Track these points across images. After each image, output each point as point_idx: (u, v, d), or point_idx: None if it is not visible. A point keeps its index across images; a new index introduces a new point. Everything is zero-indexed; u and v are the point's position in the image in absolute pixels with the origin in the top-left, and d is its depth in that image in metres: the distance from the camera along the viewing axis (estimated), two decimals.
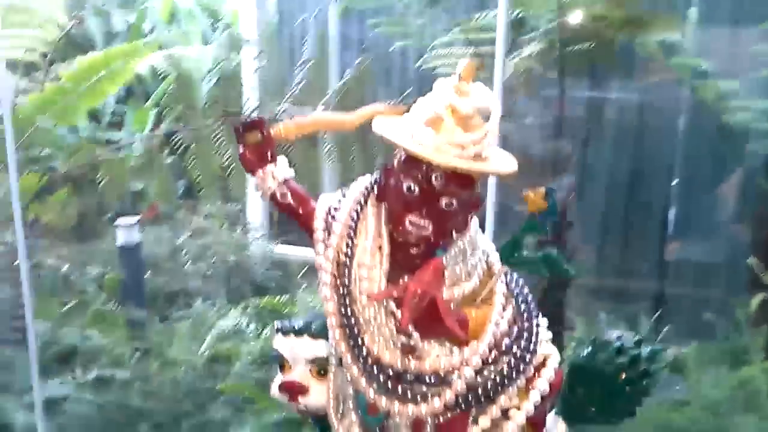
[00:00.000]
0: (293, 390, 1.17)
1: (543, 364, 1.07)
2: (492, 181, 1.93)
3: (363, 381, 1.02)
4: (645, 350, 1.17)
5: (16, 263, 2.14)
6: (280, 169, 1.14)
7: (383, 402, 1.01)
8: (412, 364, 1.01)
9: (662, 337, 2.42)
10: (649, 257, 3.19)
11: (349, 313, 1.03)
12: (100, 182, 2.53)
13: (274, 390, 1.21)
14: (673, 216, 3.16)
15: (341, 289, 1.03)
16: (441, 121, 0.99)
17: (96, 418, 2.30)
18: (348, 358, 1.03)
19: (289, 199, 1.13)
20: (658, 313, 2.66)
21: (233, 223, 3.23)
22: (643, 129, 3.11)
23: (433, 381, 1.00)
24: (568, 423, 1.19)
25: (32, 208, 2.72)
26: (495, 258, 1.09)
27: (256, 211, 3.42)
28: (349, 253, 1.04)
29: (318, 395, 1.15)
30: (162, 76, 3.05)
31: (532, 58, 2.51)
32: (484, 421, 1.04)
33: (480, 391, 1.02)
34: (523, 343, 1.04)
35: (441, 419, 1.04)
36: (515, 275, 1.10)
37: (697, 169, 3.08)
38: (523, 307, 1.07)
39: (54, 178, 2.70)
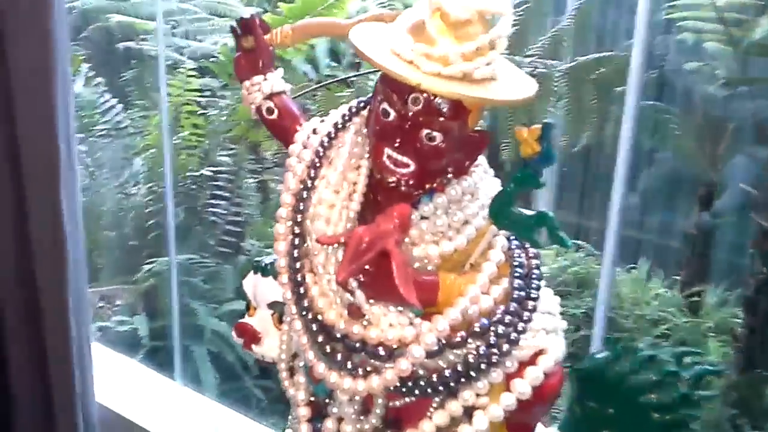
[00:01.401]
0: (246, 335, 1.01)
1: (533, 360, 0.80)
2: None
3: (304, 339, 0.82)
4: (689, 369, 0.85)
5: None
6: (270, 82, 0.97)
7: (320, 369, 0.80)
8: (355, 329, 0.80)
9: None
10: None
11: (299, 257, 0.84)
12: None
13: (233, 332, 1.07)
14: None
15: (295, 227, 0.85)
16: (423, 27, 0.76)
17: None
18: (293, 309, 0.85)
19: (275, 115, 0.96)
20: None
21: None
22: None
23: (378, 354, 0.79)
24: None
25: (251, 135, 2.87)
26: None
27: None
28: (310, 184, 0.85)
29: (273, 345, 0.98)
30: None
31: None
32: (440, 417, 0.81)
33: (435, 378, 0.79)
34: (502, 327, 0.79)
35: (390, 404, 0.84)
36: (519, 241, 0.85)
37: None
38: (519, 282, 0.82)
39: None
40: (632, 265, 3.37)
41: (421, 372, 0.79)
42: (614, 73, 2.63)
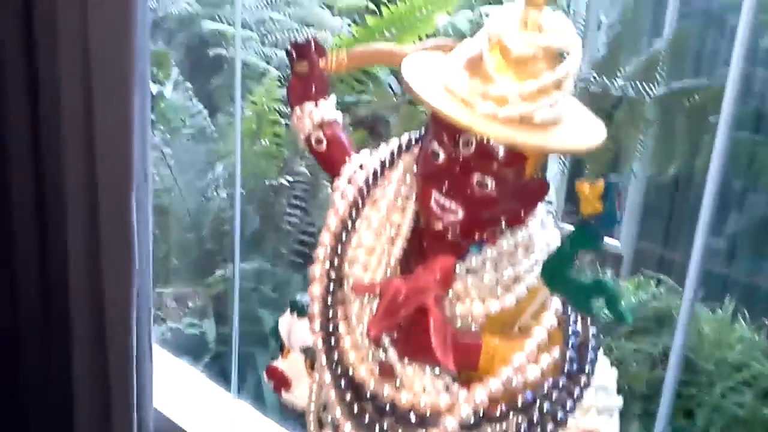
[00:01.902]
0: (275, 379, 0.97)
1: None
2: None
3: (332, 394, 0.78)
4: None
5: None
6: (321, 110, 0.93)
7: (347, 429, 0.76)
8: (386, 390, 0.75)
9: None
10: None
11: (333, 303, 0.80)
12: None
13: (264, 374, 1.02)
14: None
15: (332, 271, 0.81)
16: (481, 62, 0.72)
17: None
18: (323, 359, 0.81)
19: (324, 147, 0.92)
20: None
21: None
22: None
23: (408, 420, 0.74)
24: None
25: None
26: None
27: None
28: (351, 225, 0.81)
29: (303, 394, 0.94)
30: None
31: None
32: None
33: None
34: (548, 403, 0.73)
35: None
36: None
37: None
38: (572, 354, 0.75)
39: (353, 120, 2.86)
40: (716, 304, 3.22)
41: None
42: (709, 102, 2.53)
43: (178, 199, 3.08)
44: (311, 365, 0.97)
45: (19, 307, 1.67)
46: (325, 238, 0.83)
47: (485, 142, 0.73)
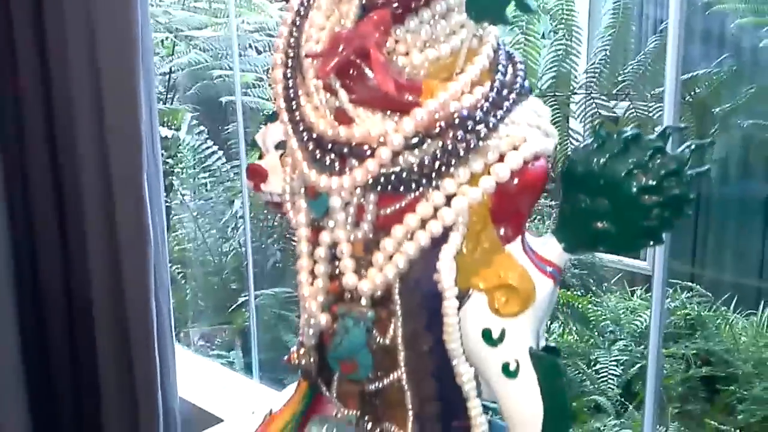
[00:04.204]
0: (255, 174, 1.02)
1: (514, 148, 0.80)
2: None
3: (299, 154, 0.84)
4: (675, 148, 0.77)
5: None
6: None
7: (313, 175, 0.82)
8: (342, 130, 0.80)
9: None
10: None
11: (293, 77, 0.86)
12: None
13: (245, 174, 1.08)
14: None
15: (291, 51, 0.87)
16: None
17: None
18: (289, 129, 0.86)
19: None
20: None
21: None
22: None
23: (362, 152, 0.79)
24: (570, 249, 0.83)
25: None
26: (495, 31, 0.85)
27: None
28: (303, 10, 0.87)
29: (278, 180, 0.99)
30: None
31: None
32: (424, 208, 0.80)
33: (416, 168, 0.78)
34: (481, 114, 0.78)
35: (381, 212, 0.83)
36: (507, 49, 0.87)
37: None
38: (501, 79, 0.82)
39: None
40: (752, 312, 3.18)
41: (402, 165, 0.79)
42: (709, 94, 2.57)
43: (202, 244, 3.16)
44: (283, 162, 1.03)
45: (44, 306, 1.73)
46: (283, 30, 0.88)
47: None
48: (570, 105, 2.43)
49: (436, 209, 0.80)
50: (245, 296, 2.90)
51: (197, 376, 2.01)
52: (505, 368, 0.79)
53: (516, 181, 0.79)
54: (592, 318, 2.88)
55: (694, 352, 2.91)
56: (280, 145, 1.02)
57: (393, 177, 0.79)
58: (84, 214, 1.63)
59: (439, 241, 0.80)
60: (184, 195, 3.13)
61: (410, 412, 0.85)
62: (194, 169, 3.16)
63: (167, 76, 3.33)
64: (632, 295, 3.19)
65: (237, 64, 2.51)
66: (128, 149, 1.58)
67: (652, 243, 0.78)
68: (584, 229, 0.81)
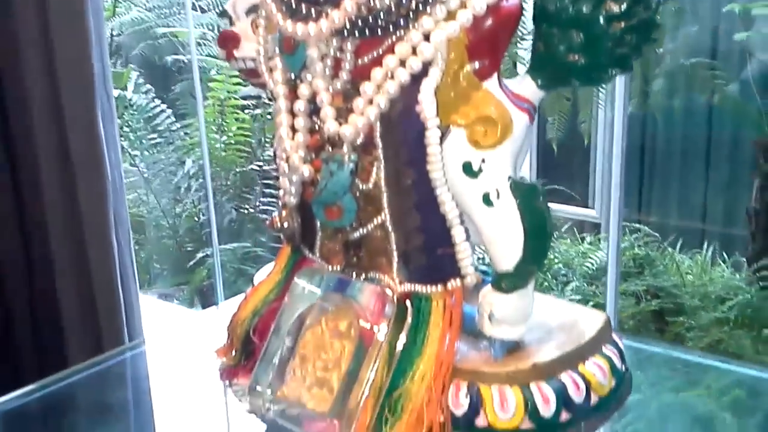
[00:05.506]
0: (227, 40, 1.02)
1: None
2: None
3: (274, 6, 0.84)
4: None
5: None
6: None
7: (289, 26, 0.81)
8: None
9: None
10: None
11: None
12: None
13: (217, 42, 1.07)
14: None
15: None
16: None
17: None
18: None
19: None
20: None
21: None
22: None
23: None
24: (544, 86, 0.86)
25: None
26: None
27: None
28: None
29: (251, 46, 0.98)
30: None
31: None
32: (402, 47, 0.79)
33: (393, 7, 0.79)
34: None
35: (359, 61, 0.82)
36: None
37: None
38: None
39: None
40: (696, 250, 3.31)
41: (379, 5, 0.78)
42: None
43: (155, 207, 3.12)
44: (255, 25, 1.02)
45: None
46: None
47: None
48: None
49: (414, 48, 0.81)
50: (203, 254, 2.88)
51: (161, 318, 2.00)
52: (486, 198, 0.81)
53: (491, 16, 0.80)
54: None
55: (644, 288, 3.02)
56: (251, 11, 1.05)
57: (370, 19, 0.79)
58: (37, 147, 1.60)
59: (418, 78, 0.82)
60: (134, 157, 3.09)
61: (395, 253, 0.86)
62: (143, 131, 3.12)
63: (110, 39, 3.27)
64: (582, 241, 3.27)
65: (191, 20, 2.47)
66: (80, 84, 1.56)
67: (621, 70, 0.81)
68: (558, 63, 0.83)
